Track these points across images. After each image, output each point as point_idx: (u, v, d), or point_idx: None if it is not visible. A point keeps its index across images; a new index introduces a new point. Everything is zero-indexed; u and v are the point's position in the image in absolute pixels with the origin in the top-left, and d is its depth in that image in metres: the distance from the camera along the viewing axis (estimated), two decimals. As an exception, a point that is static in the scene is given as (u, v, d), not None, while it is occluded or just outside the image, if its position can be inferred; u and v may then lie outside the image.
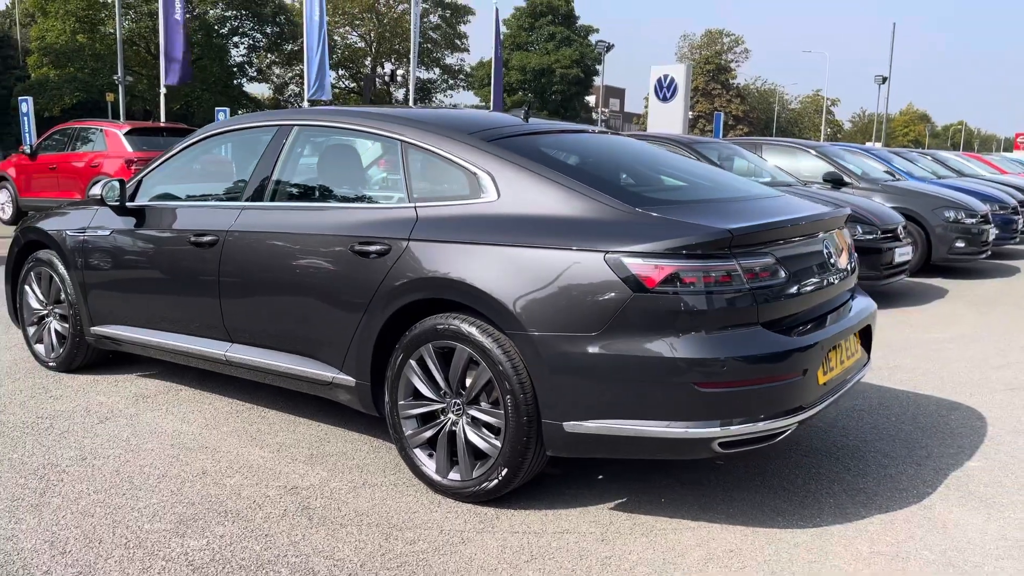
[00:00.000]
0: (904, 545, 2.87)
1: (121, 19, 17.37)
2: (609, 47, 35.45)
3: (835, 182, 9.47)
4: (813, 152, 10.30)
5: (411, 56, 24.13)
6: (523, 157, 3.15)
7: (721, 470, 3.50)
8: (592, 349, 2.76)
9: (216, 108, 22.41)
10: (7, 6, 55.57)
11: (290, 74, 43.55)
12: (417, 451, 3.22)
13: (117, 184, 4.24)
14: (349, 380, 3.40)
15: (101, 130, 12.36)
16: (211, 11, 36.39)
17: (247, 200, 3.81)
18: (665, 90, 30.40)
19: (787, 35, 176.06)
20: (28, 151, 13.71)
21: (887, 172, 11.07)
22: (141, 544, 2.76)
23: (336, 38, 43.02)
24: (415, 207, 3.27)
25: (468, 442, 3.08)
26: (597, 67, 59.17)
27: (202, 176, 4.34)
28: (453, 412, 3.12)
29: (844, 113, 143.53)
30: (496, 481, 3.01)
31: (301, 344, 3.57)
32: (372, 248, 3.24)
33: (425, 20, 46.18)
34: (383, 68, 45.67)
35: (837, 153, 10.79)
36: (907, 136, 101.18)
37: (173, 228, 4.03)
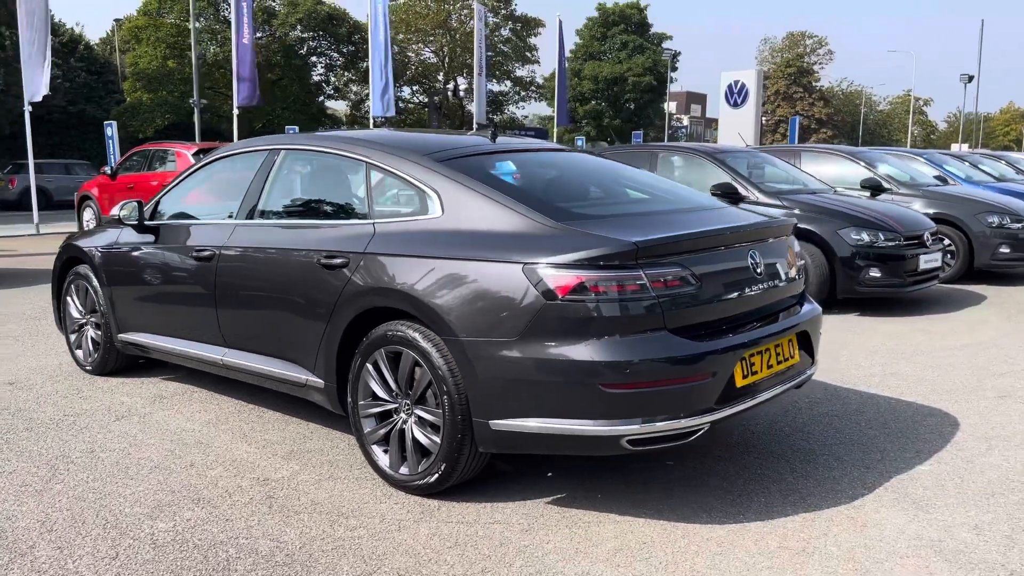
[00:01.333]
0: (814, 542, 3.00)
1: (197, 44, 18.50)
2: (675, 55, 35.33)
3: (873, 188, 9.36)
4: (853, 158, 10.19)
5: (475, 70, 24.60)
6: (467, 176, 3.41)
7: (670, 469, 3.67)
8: (512, 353, 3.01)
9: (287, 126, 23.44)
10: (107, 33, 58.92)
11: (366, 91, 44.91)
12: (374, 447, 3.51)
13: (136, 204, 4.72)
14: (319, 382, 3.73)
15: (173, 151, 13.20)
16: (291, 33, 37.91)
17: (240, 218, 4.19)
18: (736, 96, 30.07)
19: (872, 35, 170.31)
20: (109, 172, 14.73)
21: (938, 177, 10.84)
22: (117, 525, 3.14)
23: (410, 55, 44.21)
24: (374, 223, 3.58)
25: (415, 439, 3.35)
26: (672, 75, 58.83)
27: (210, 195, 4.76)
28: (404, 412, 3.40)
29: (938, 114, 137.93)
30: (437, 475, 3.27)
31: (281, 349, 3.92)
32: (335, 261, 3.56)
33: (496, 34, 46.92)
34: (456, 83, 46.60)
35: (880, 159, 10.64)
36: (1008, 136, 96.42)
37: (180, 244, 4.46)
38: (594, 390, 2.90)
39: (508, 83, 49.42)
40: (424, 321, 3.24)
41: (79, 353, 5.40)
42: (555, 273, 2.93)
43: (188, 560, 2.86)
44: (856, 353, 5.93)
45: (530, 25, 47.04)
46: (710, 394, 3.04)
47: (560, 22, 26.38)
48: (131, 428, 4.26)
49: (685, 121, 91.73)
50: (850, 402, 4.70)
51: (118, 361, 5.20)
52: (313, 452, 3.91)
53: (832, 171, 10.11)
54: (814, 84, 74.79)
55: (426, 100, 46.97)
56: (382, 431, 3.48)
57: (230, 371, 4.27)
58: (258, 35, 39.01)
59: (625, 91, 54.62)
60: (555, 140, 39.99)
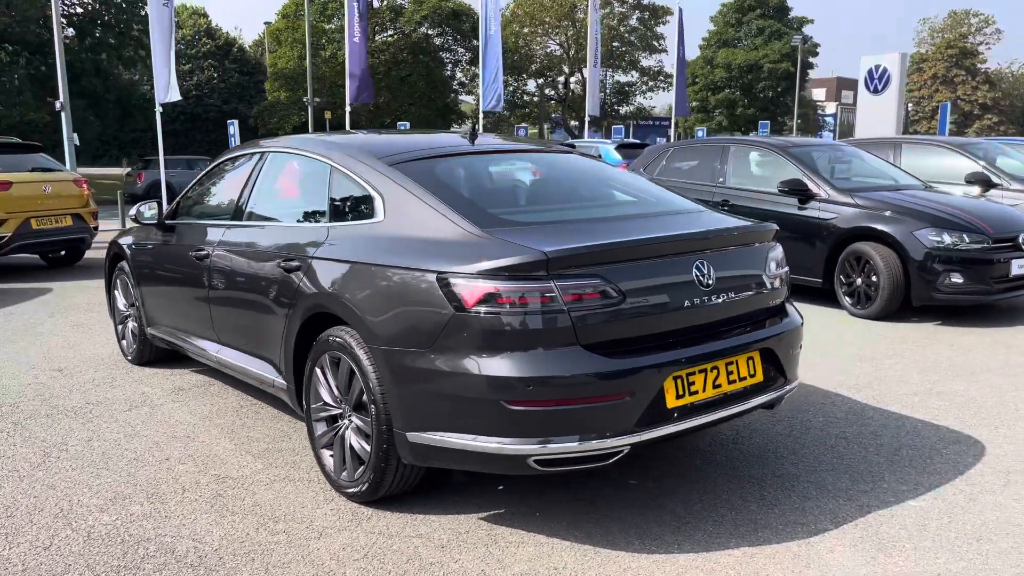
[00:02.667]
0: (740, 581, 2.75)
1: (330, 44, 19.29)
2: (806, 39, 33.47)
3: (981, 183, 8.54)
4: (959, 151, 9.32)
5: (589, 60, 24.30)
6: (410, 180, 3.34)
7: (628, 488, 3.47)
8: (423, 364, 2.92)
9: (398, 122, 24.08)
10: (259, 36, 62.44)
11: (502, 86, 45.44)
12: (323, 451, 3.52)
13: (156, 204, 4.95)
14: (283, 383, 3.78)
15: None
16: (418, 29, 38.83)
17: (230, 219, 4.31)
18: (876, 81, 28.33)
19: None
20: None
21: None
22: (67, 515, 3.29)
23: (535, 48, 44.28)
24: (328, 227, 3.58)
25: (351, 446, 3.33)
26: (811, 60, 55.98)
27: (215, 196, 4.91)
28: (346, 418, 3.39)
29: None
30: (367, 484, 3.24)
31: (256, 348, 4.00)
32: (292, 263, 3.59)
33: (624, 23, 46.18)
34: (581, 74, 46.23)
35: (997, 150, 9.69)
36: None
37: (186, 244, 4.63)
38: (498, 407, 2.78)
39: (635, 73, 48.53)
40: (357, 328, 3.21)
41: (123, 344, 5.73)
42: (464, 283, 2.82)
43: (107, 555, 2.96)
44: (909, 367, 5.42)
45: (658, 14, 45.99)
46: (628, 415, 2.84)
47: (680, 11, 25.59)
48: (135, 419, 4.47)
49: (831, 109, 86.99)
50: (872, 423, 4.30)
51: (153, 352, 5.48)
52: (284, 452, 3.97)
53: (934, 165, 9.30)
54: (978, 66, 69.09)
55: (552, 93, 46.93)
56: (328, 436, 3.48)
57: (223, 367, 4.41)
58: (389, 32, 40.26)
59: (760, 79, 52.46)
60: (679, 131, 38.91)
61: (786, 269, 3.58)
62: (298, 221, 3.89)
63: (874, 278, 6.87)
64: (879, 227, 6.89)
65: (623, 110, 52.07)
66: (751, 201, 7.88)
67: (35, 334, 6.57)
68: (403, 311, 3.01)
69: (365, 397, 3.17)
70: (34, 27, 29.07)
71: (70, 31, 30.79)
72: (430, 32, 38.96)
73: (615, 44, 46.02)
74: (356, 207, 3.53)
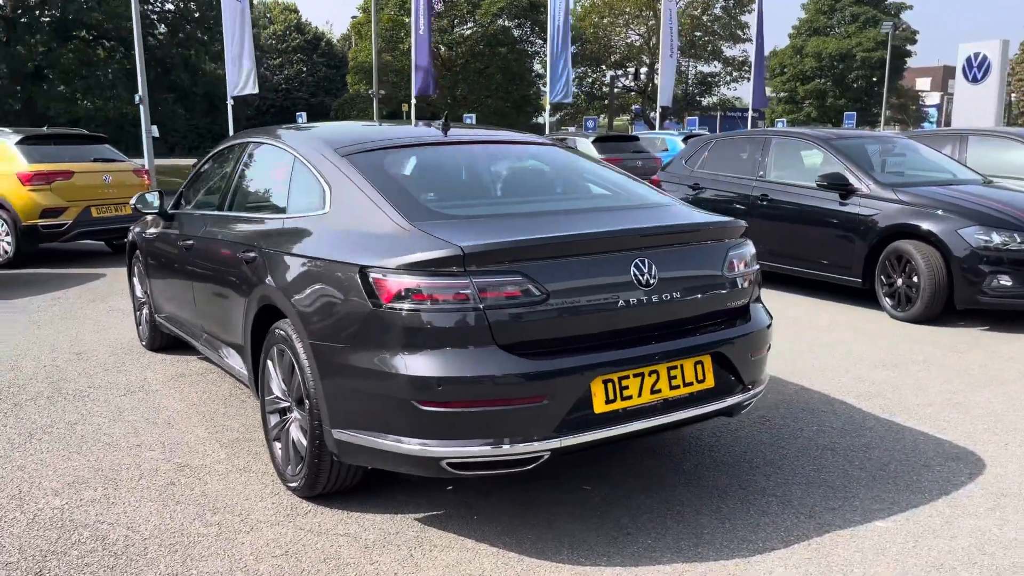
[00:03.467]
0: (657, 599, 2.59)
1: (390, 39, 19.48)
2: (897, 26, 31.84)
3: (1048, 177, 7.93)
4: (1030, 143, 8.66)
5: (662, 50, 23.80)
6: (356, 172, 3.27)
7: (582, 494, 3.33)
8: (346, 361, 2.86)
9: (464, 115, 24.08)
10: (347, 29, 63.72)
11: (573, 77, 45.07)
12: (274, 443, 3.50)
13: (159, 195, 5.04)
14: (246, 374, 3.78)
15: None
16: (496, 21, 38.81)
17: (213, 209, 4.35)
18: (975, 70, 26.94)
19: None
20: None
21: None
22: (22, 498, 3.37)
23: (615, 38, 43.70)
24: (284, 219, 3.55)
25: (293, 440, 3.30)
26: (909, 48, 53.47)
27: (207, 186, 4.95)
28: (292, 411, 3.36)
29: None
30: (303, 480, 3.21)
31: (229, 338, 4.02)
32: (249, 255, 3.59)
33: (707, 13, 45.07)
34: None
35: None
36: None
37: (179, 233, 4.70)
38: (410, 406, 2.69)
39: (718, 64, 47.31)
40: (294, 321, 3.18)
41: (140, 330, 5.89)
42: (381, 278, 2.74)
43: (42, 539, 3.02)
44: (934, 375, 5.05)
45: (743, 2, 44.65)
46: (547, 419, 2.70)
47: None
48: (127, 404, 4.57)
49: (934, 99, 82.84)
50: (868, 434, 4.01)
51: (163, 339, 5.61)
52: (253, 442, 3.98)
53: (1004, 159, 8.68)
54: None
55: (631, 84, 46.26)
56: (278, 428, 3.47)
57: (208, 355, 4.47)
58: (468, 25, 40.41)
59: (852, 68, 50.41)
60: (766, 123, 37.60)
61: (754, 268, 3.36)
62: (262, 212, 3.89)
63: (915, 279, 6.45)
64: (920, 224, 6.46)
65: (706, 101, 50.89)
66: (791, 196, 7.53)
67: (72, 318, 6.82)
68: (331, 305, 2.95)
69: (302, 391, 3.14)
70: (128, 24, 30.42)
71: (162, 28, 32.10)
72: (508, 24, 38.92)
73: (697, 34, 44.96)
74: (309, 199, 3.49)
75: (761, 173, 7.96)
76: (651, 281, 2.93)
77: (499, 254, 2.71)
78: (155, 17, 31.32)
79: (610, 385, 2.81)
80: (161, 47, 30.94)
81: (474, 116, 21.66)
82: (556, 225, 3.00)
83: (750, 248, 3.35)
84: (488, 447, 2.68)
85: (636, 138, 17.75)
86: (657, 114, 25.00)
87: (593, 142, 16.89)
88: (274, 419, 3.51)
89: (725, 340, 3.11)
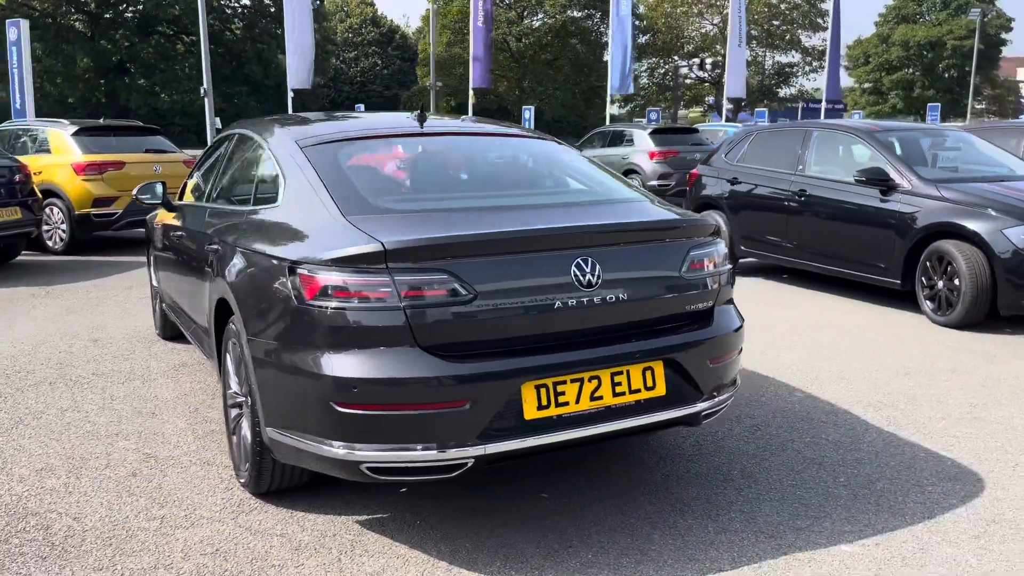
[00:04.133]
0: (575, 621, 2.43)
1: (435, 29, 19.55)
2: (985, 13, 30.17)
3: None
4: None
5: (730, 40, 23.13)
6: (309, 164, 3.20)
7: (533, 501, 3.19)
8: (275, 358, 2.79)
9: (524, 107, 23.88)
10: (421, 22, 64.26)
11: (643, 68, 44.36)
12: (233, 437, 3.47)
13: (161, 184, 5.08)
14: (216, 368, 3.77)
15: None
16: (564, 13, 38.49)
17: (202, 201, 4.35)
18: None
19: None
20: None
21: None
22: (-13, 482, 3.44)
23: (689, 28, 42.80)
24: (247, 211, 3.51)
25: (244, 435, 3.26)
26: (1004, 36, 50.78)
27: (200, 178, 4.96)
28: (244, 406, 3.32)
29: None
30: (247, 477, 3.17)
31: (204, 330, 4.02)
32: (212, 248, 3.56)
33: (784, 1, 43.67)
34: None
35: None
36: None
37: (174, 225, 4.74)
38: (329, 408, 2.60)
39: (796, 53, 45.84)
40: (238, 315, 3.13)
41: (155, 318, 6.00)
42: (306, 273, 2.65)
43: (-11, 525, 3.06)
44: (959, 386, 4.70)
45: (823, -11, 43.11)
46: (469, 424, 2.57)
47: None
48: (121, 392, 4.63)
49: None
50: (864, 448, 3.74)
51: (173, 327, 5.67)
52: (225, 435, 3.96)
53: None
54: None
55: (704, 75, 45.25)
56: (235, 422, 3.43)
57: (195, 345, 4.48)
58: (538, 16, 40.19)
59: (942, 57, 48.15)
60: (846, 114, 36.08)
61: (723, 269, 3.15)
62: (232, 204, 3.86)
63: (956, 281, 6.03)
64: (963, 223, 6.04)
65: (784, 92, 49.36)
66: (830, 191, 7.15)
67: (102, 305, 7.01)
68: (265, 301, 2.88)
69: (247, 387, 3.09)
70: (207, 19, 31.36)
71: (238, 23, 32.98)
72: (577, 15, 38.54)
73: (775, 22, 43.64)
74: (268, 191, 3.44)
75: (800, 167, 7.60)
76: (594, 282, 2.76)
77: (423, 251, 2.59)
78: (231, 12, 32.19)
79: (543, 391, 2.67)
80: (237, 41, 31.81)
81: (532, 109, 21.45)
82: (499, 221, 2.86)
83: (717, 248, 3.13)
84: (407, 452, 2.57)
85: (695, 130, 17.32)
86: (723, 105, 24.33)
87: (650, 135, 16.56)
88: (233, 412, 3.48)
89: (680, 345, 2.91)
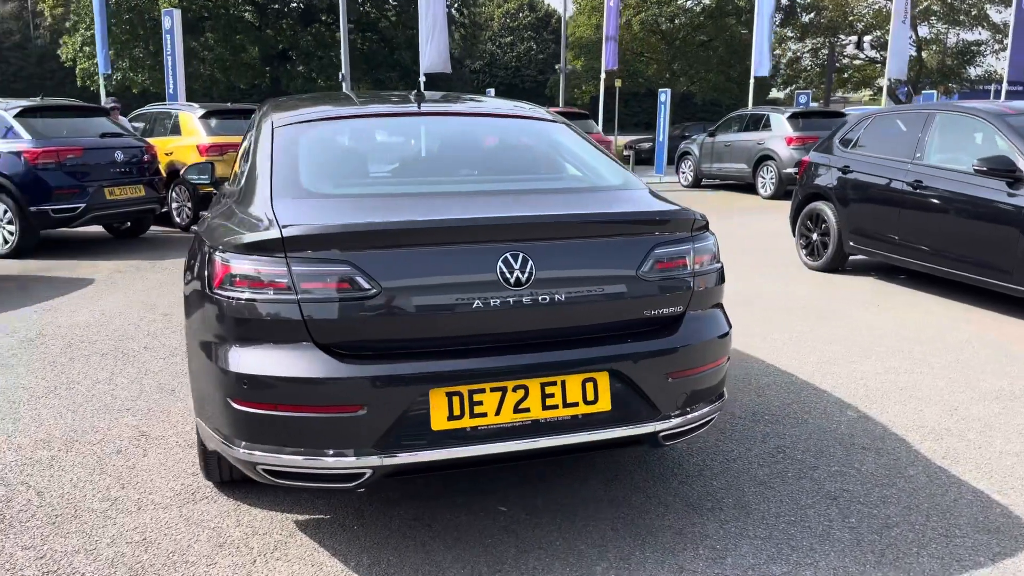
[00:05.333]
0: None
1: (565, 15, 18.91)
2: None
3: None
4: None
5: (894, 15, 21.20)
6: (270, 146, 3.04)
7: (488, 515, 2.93)
8: (194, 349, 2.70)
9: (660, 91, 22.72)
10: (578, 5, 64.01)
11: (805, 49, 41.76)
12: (203, 423, 3.43)
13: (210, 165, 5.16)
14: None
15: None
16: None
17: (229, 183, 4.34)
18: None
19: None
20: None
21: None
22: (-13, 449, 3.58)
23: (859, 6, 39.72)
24: (227, 192, 3.43)
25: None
26: None
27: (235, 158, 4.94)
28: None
29: None
30: (200, 464, 3.10)
31: None
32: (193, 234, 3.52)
33: (971, -28, 39.66)
34: (916, 33, 40.72)
35: None
36: None
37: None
38: (227, 403, 2.45)
39: (983, 31, 41.58)
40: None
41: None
42: (218, 260, 2.51)
43: (-39, 493, 3.16)
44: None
45: (1018, -42, 38.68)
46: (365, 432, 2.34)
47: (1024, -49, 21.21)
48: (156, 367, 4.75)
49: None
50: (898, 485, 3.19)
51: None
52: (225, 417, 3.95)
53: None
54: None
55: (867, 55, 41.91)
56: (205, 409, 3.38)
57: None
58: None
59: None
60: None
61: (706, 269, 2.73)
62: (229, 186, 3.79)
63: (1088, 290, 5.13)
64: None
65: (972, 72, 44.93)
66: (948, 182, 6.30)
67: (191, 281, 7.31)
68: (195, 286, 2.77)
69: None
70: (363, 7, 32.52)
71: (392, 11, 33.90)
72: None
73: (958, -4, 39.73)
74: (238, 173, 3.34)
75: (918, 155, 6.74)
76: (523, 280, 2.45)
77: (322, 239, 2.38)
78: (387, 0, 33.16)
79: (456, 399, 2.39)
80: (390, 28, 32.75)
81: (667, 92, 20.33)
82: (428, 209, 2.60)
83: (695, 245, 2.71)
84: (300, 457, 2.38)
85: (841, 114, 16.00)
86: (884, 86, 22.40)
87: (788, 119, 15.51)
88: (202, 399, 3.43)
89: (628, 356, 2.54)
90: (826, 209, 7.64)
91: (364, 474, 2.39)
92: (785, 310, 6.11)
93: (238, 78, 32.01)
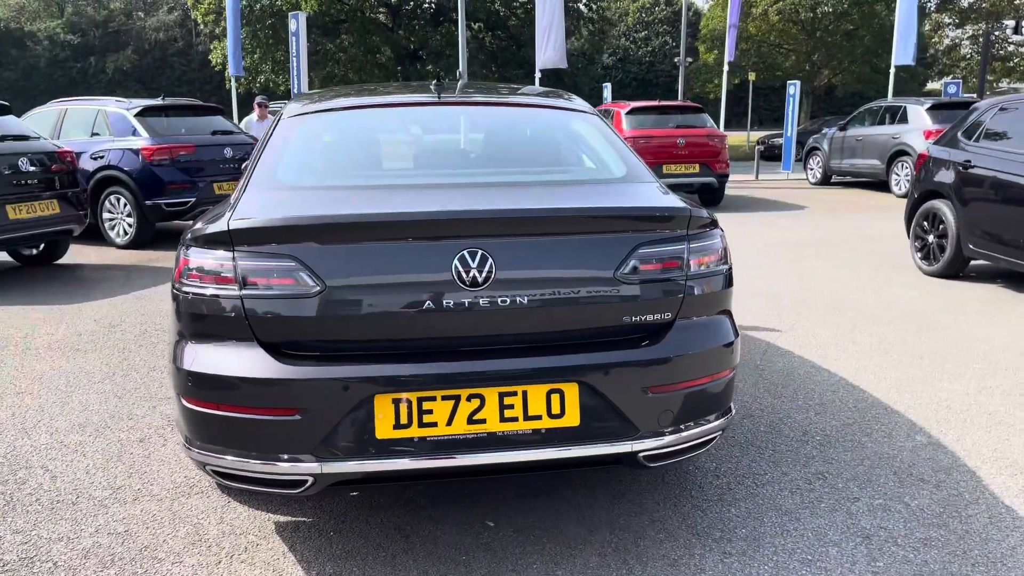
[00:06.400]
0: None
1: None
2: None
3: None
4: None
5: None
6: (270, 137, 2.99)
7: (470, 530, 2.75)
8: (167, 338, 2.65)
9: (789, 82, 21.29)
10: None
11: (965, 35, 38.49)
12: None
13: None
14: None
15: (613, 111, 13.66)
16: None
17: None
18: None
19: None
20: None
21: None
22: (31, 428, 3.71)
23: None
24: None
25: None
26: None
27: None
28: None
29: None
30: (196, 458, 3.08)
31: None
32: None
33: None
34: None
35: None
36: None
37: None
38: (179, 402, 2.39)
39: None
40: None
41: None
42: (179, 252, 2.46)
43: (-15, 473, 3.28)
44: None
45: None
46: (302, 438, 2.21)
47: None
48: (81, 366, 4.66)
49: None
50: (953, 525, 2.76)
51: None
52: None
53: None
54: None
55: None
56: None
57: None
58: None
59: None
60: None
61: (705, 271, 2.44)
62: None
63: None
64: None
65: None
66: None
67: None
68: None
69: None
70: (488, 3, 32.79)
71: (520, 9, 34.01)
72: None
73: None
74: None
75: (1050, 147, 5.97)
76: (480, 280, 2.24)
77: (267, 233, 2.27)
78: (516, -1, 33.30)
79: (403, 406, 2.23)
80: (518, 25, 32.86)
81: (797, 84, 19.15)
82: (388, 203, 2.44)
83: (692, 245, 2.42)
84: (241, 460, 2.29)
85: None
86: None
87: (928, 110, 14.31)
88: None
89: (601, 366, 2.28)
90: (944, 208, 6.92)
91: (306, 481, 2.26)
92: (879, 319, 5.55)
93: (370, 77, 33.08)
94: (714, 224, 2.53)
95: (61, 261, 8.24)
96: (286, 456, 2.24)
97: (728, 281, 2.55)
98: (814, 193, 14.79)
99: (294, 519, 2.87)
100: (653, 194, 2.60)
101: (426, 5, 33.69)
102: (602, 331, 2.36)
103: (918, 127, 14.19)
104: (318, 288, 2.23)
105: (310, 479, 2.25)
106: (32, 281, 7.29)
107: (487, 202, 2.42)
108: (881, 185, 14.90)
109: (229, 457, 2.30)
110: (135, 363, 4.72)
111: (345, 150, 3.08)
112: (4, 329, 5.52)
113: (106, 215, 9.23)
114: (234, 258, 2.27)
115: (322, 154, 3.02)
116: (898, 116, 14.93)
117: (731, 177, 13.71)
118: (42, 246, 8.05)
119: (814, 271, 7.29)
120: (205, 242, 2.33)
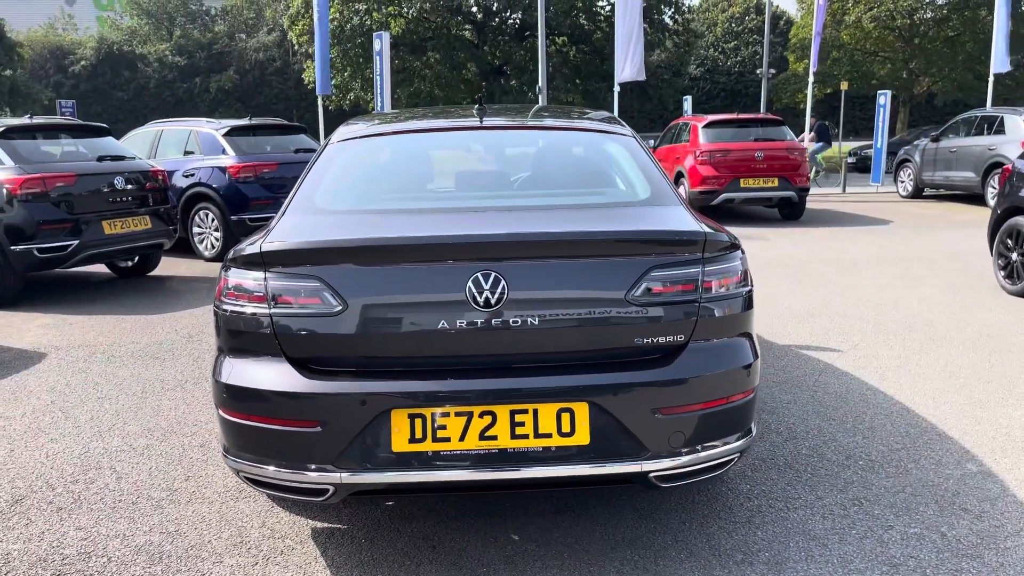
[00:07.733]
0: None
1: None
2: None
3: None
4: None
5: None
6: (315, 162, 3.16)
7: (496, 543, 2.83)
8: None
9: (880, 91, 20.37)
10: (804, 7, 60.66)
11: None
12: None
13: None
14: None
15: (690, 124, 13.54)
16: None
17: None
18: None
19: None
20: (652, 144, 15.77)
21: None
22: (101, 434, 4.00)
23: None
24: None
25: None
26: None
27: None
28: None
29: None
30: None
31: None
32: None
33: None
34: None
35: None
36: None
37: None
38: (218, 413, 2.57)
39: None
40: None
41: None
42: (222, 271, 2.64)
43: (57, 471, 3.55)
44: None
45: None
46: (324, 448, 2.34)
47: None
48: (158, 374, 4.95)
49: None
50: (988, 556, 2.67)
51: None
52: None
53: None
54: None
55: None
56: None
57: None
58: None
59: None
60: None
61: (724, 294, 2.46)
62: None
63: None
64: None
65: None
66: None
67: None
68: (226, 296, 2.93)
69: None
70: (572, 17, 32.95)
71: (605, 23, 34.05)
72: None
73: None
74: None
75: None
76: (493, 301, 2.33)
77: (295, 255, 2.42)
78: (600, 12, 33.36)
79: (419, 421, 2.33)
80: (602, 40, 32.91)
81: (887, 94, 18.32)
82: (419, 226, 2.55)
83: (707, 268, 2.44)
84: (271, 468, 2.44)
85: None
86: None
87: (1024, 120, 13.64)
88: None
89: (611, 387, 2.33)
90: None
91: (328, 490, 2.39)
92: (950, 340, 5.36)
93: (456, 93, 33.70)
94: (734, 247, 2.55)
95: (153, 273, 8.74)
96: (312, 466, 2.37)
97: (748, 303, 2.56)
98: (902, 207, 14.28)
99: (330, 526, 3.01)
100: (672, 217, 2.64)
101: (511, 21, 34.15)
102: (613, 352, 2.41)
103: (1016, 138, 13.52)
104: (340, 307, 2.36)
105: (331, 488, 2.38)
106: (124, 291, 7.77)
107: (503, 226, 2.51)
108: (974, 198, 14.28)
109: (259, 465, 2.46)
110: (206, 372, 4.99)
111: (380, 175, 3.22)
112: (95, 337, 5.92)
113: (196, 229, 9.74)
114: (265, 278, 2.43)
115: (358, 179, 3.17)
116: (995, 126, 14.28)
117: (818, 190, 13.37)
118: (136, 258, 8.58)
119: (887, 288, 7.08)
120: (242, 263, 2.50)
